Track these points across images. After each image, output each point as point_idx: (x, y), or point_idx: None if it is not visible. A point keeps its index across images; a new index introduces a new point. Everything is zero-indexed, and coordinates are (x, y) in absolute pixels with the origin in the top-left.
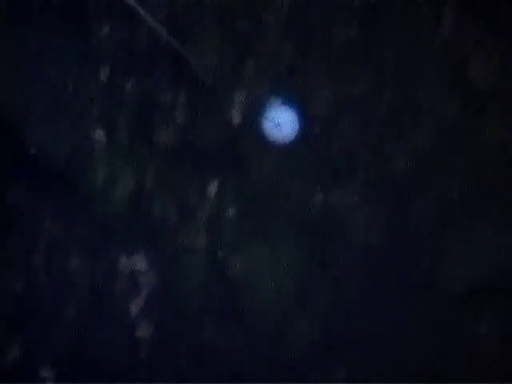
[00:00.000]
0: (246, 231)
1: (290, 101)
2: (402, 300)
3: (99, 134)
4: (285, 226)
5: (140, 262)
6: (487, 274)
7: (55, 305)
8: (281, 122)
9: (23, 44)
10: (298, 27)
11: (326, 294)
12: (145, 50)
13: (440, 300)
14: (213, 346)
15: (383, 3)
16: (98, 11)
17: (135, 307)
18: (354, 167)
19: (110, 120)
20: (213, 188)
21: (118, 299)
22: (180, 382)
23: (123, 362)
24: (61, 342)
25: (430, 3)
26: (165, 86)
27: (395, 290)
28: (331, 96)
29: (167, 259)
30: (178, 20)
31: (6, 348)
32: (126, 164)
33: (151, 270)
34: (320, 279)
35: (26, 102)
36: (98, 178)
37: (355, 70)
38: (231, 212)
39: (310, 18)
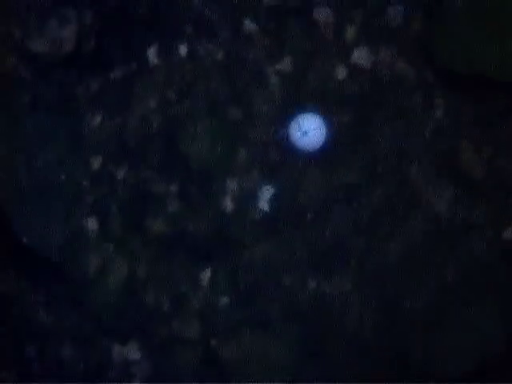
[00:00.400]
0: (238, 320)
1: (283, 189)
2: None
3: (92, 223)
4: (277, 315)
5: (133, 352)
6: (478, 363)
7: None
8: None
9: (16, 135)
10: (291, 115)
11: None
12: (137, 139)
13: None
14: None
15: (375, 92)
16: (90, 100)
17: None
18: (347, 255)
19: (102, 209)
20: (205, 276)
21: None
22: None
23: None
24: None
25: (422, 92)
26: (157, 174)
27: (387, 380)
28: (324, 184)
29: (160, 348)
30: (170, 108)
31: None
32: (119, 252)
33: (144, 359)
34: (312, 368)
35: (18, 192)
36: (91, 266)
37: (348, 159)
38: (224, 300)
39: (302, 106)
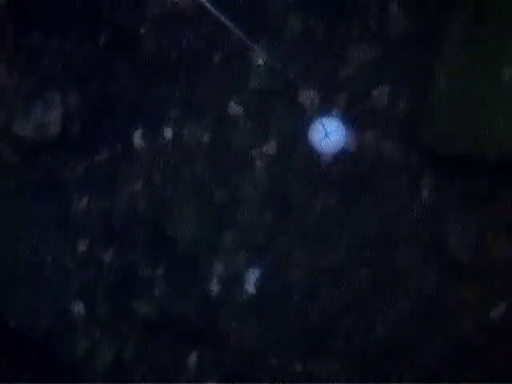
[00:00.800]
0: None
1: (269, 271)
2: None
3: (78, 306)
4: None
5: None
6: None
7: None
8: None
9: (2, 218)
10: (277, 197)
11: None
12: (123, 222)
13: None
14: None
15: (360, 174)
16: (76, 183)
17: None
18: (334, 336)
19: (89, 292)
20: (192, 359)
21: None
22: None
23: None
24: None
25: (408, 174)
26: (144, 257)
27: None
28: (310, 266)
29: None
30: (156, 191)
31: None
32: (106, 335)
33: None
34: None
35: (5, 275)
36: (78, 349)
37: (334, 240)
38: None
39: (288, 188)
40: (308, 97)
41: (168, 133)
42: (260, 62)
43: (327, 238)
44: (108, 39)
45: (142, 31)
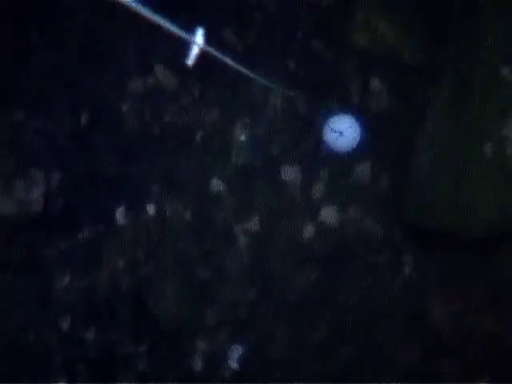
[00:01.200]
0: None
1: (252, 347)
2: None
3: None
4: None
5: None
6: None
7: None
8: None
9: None
10: (260, 273)
11: None
12: (105, 299)
13: None
14: None
15: (343, 250)
16: (59, 260)
17: None
18: None
19: (72, 369)
20: None
21: None
22: None
23: None
24: None
25: (391, 249)
26: (126, 335)
27: None
28: (293, 342)
29: None
30: (138, 268)
31: None
32: None
33: None
34: None
35: None
36: None
37: (316, 316)
38: None
39: (271, 264)
40: (291, 173)
41: (150, 210)
42: (242, 138)
43: (310, 313)
44: (90, 117)
45: (124, 108)
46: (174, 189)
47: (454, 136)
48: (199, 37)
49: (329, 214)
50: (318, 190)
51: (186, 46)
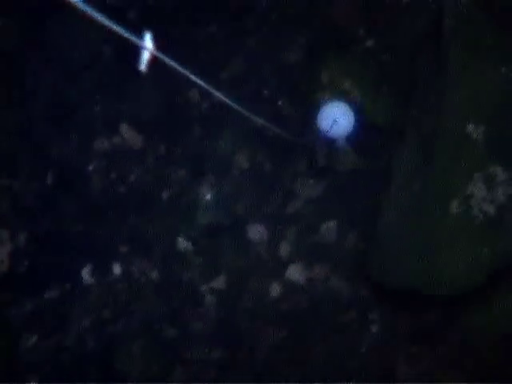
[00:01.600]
0: None
1: None
2: None
3: None
4: None
5: None
6: None
7: None
8: None
9: None
10: (227, 333)
11: None
12: (73, 359)
13: None
14: None
15: (310, 308)
16: (25, 321)
17: None
18: None
19: None
20: None
21: None
22: None
23: None
24: None
25: (358, 308)
26: None
27: None
28: None
29: None
30: (105, 327)
31: None
32: None
33: None
34: None
35: None
36: None
37: (285, 374)
38: None
39: (238, 323)
40: (257, 231)
41: (117, 269)
42: (208, 197)
43: (277, 373)
44: (56, 177)
45: (90, 168)
46: (140, 248)
47: (420, 194)
48: (148, 41)
49: (295, 273)
50: (284, 249)
51: (136, 53)
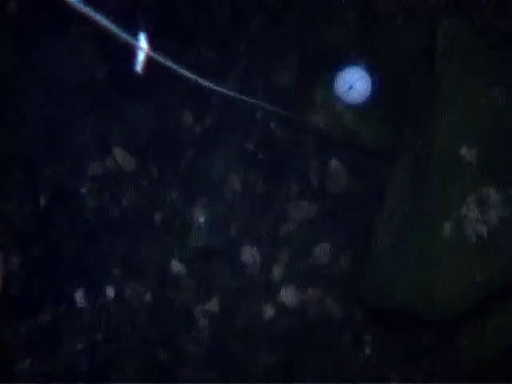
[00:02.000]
0: None
1: None
2: None
3: None
4: None
5: None
6: None
7: None
8: None
9: None
10: (220, 355)
11: None
12: (66, 381)
13: None
14: None
15: (303, 331)
16: (19, 344)
17: None
18: None
19: None
20: None
21: None
22: None
23: None
24: None
25: (351, 329)
26: None
27: None
28: None
29: None
30: (98, 349)
31: None
32: None
33: None
34: None
35: None
36: None
37: None
38: None
39: (231, 345)
40: (250, 254)
41: (110, 292)
42: (201, 219)
43: None
44: (49, 199)
45: (83, 191)
46: (133, 271)
47: (413, 216)
48: (143, 42)
49: (289, 295)
50: (277, 271)
51: (131, 54)
